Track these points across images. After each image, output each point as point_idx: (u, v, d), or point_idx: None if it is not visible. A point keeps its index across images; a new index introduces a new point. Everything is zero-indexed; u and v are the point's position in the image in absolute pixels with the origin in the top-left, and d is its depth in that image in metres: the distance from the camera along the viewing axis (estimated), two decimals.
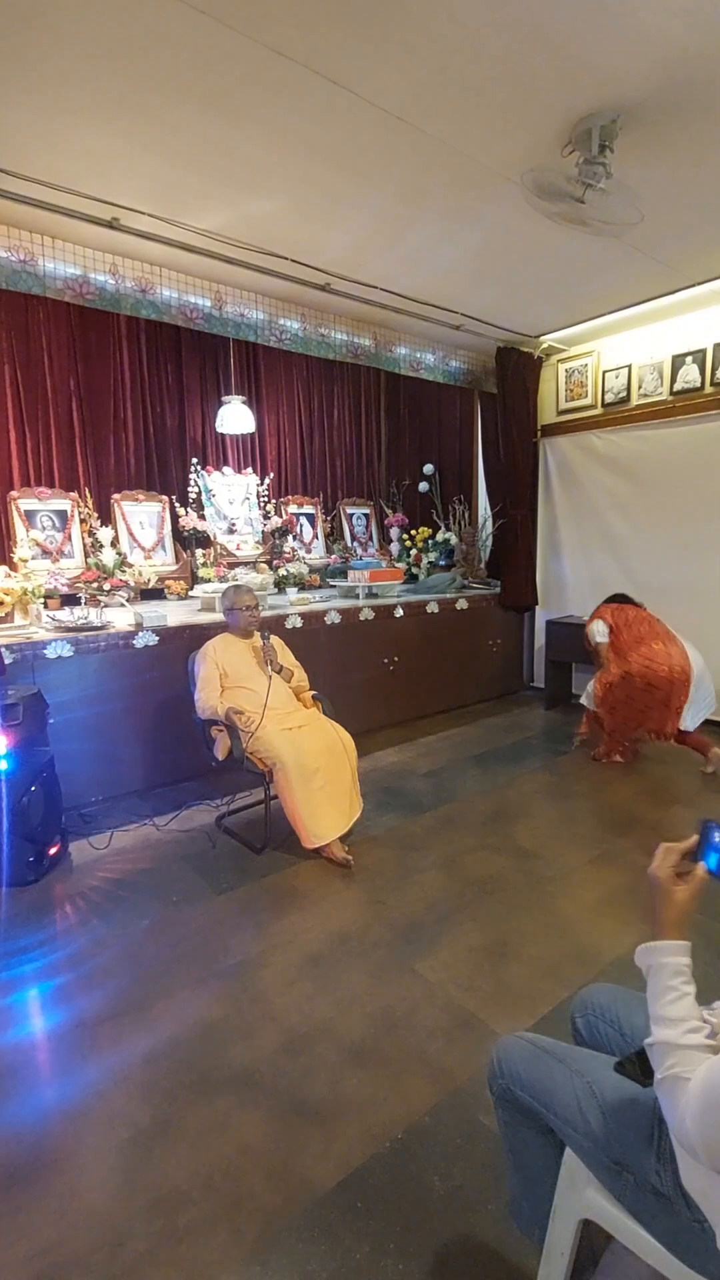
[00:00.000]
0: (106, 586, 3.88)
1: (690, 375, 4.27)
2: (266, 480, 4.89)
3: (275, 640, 3.11)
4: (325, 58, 2.08)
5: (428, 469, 5.57)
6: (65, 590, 3.68)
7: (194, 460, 4.57)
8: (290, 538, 4.94)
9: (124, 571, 4.08)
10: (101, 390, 4.30)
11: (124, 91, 2.23)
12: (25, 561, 3.46)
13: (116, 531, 4.20)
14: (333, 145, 2.53)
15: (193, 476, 4.52)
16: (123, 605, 3.84)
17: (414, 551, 5.39)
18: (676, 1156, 0.90)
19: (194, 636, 3.36)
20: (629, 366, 4.59)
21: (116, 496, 4.29)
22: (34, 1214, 1.37)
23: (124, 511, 4.31)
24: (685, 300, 4.05)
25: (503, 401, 5.01)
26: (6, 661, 2.81)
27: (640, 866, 2.71)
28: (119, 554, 4.11)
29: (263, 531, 4.77)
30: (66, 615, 3.33)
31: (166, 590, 4.28)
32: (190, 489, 4.51)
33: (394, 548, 5.48)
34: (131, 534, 4.31)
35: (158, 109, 2.32)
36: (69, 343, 4.12)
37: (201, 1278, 1.25)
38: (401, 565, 5.17)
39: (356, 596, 4.43)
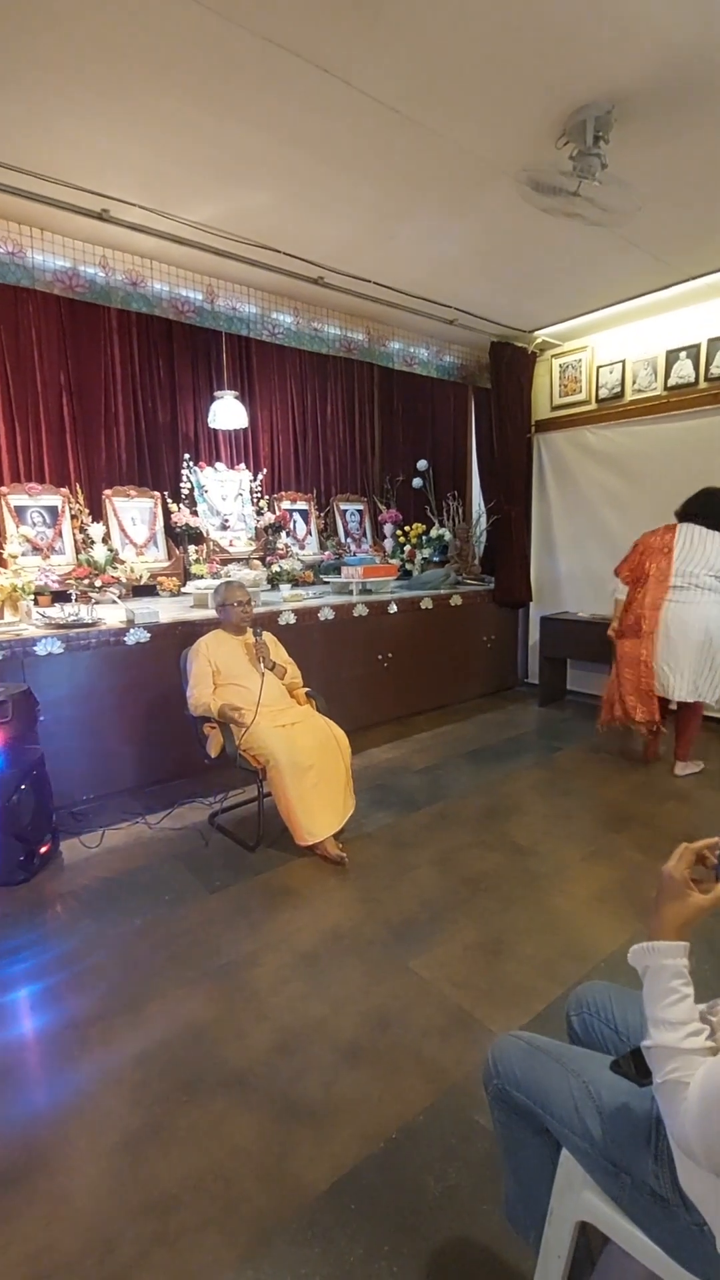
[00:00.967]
0: (98, 583, 3.84)
1: (684, 370, 4.26)
2: (260, 476, 4.85)
3: (268, 637, 3.08)
4: (318, 47, 2.05)
5: (421, 465, 5.55)
6: (56, 587, 3.64)
7: (186, 456, 4.53)
8: (284, 534, 4.91)
9: (115, 568, 4.04)
10: (92, 384, 4.26)
11: (113, 80, 2.19)
12: (15, 558, 3.42)
13: (108, 527, 4.16)
14: (325, 137, 2.50)
15: (185, 472, 4.48)
16: (114, 602, 3.80)
17: (408, 548, 5.37)
18: (675, 1159, 0.88)
19: (186, 633, 3.33)
20: (623, 362, 4.58)
21: (108, 492, 4.25)
22: (23, 1219, 1.35)
23: (115, 507, 4.26)
24: (679, 295, 4.04)
25: (497, 397, 4.99)
26: None
27: (635, 863, 2.72)
28: (110, 550, 4.07)
29: (256, 528, 4.74)
30: (57, 612, 3.29)
31: (159, 587, 4.24)
32: (183, 485, 4.47)
33: (388, 544, 5.46)
34: (123, 530, 4.27)
35: (148, 98, 2.28)
36: (59, 336, 4.07)
37: None
38: (395, 561, 5.15)
39: (350, 593, 4.41)
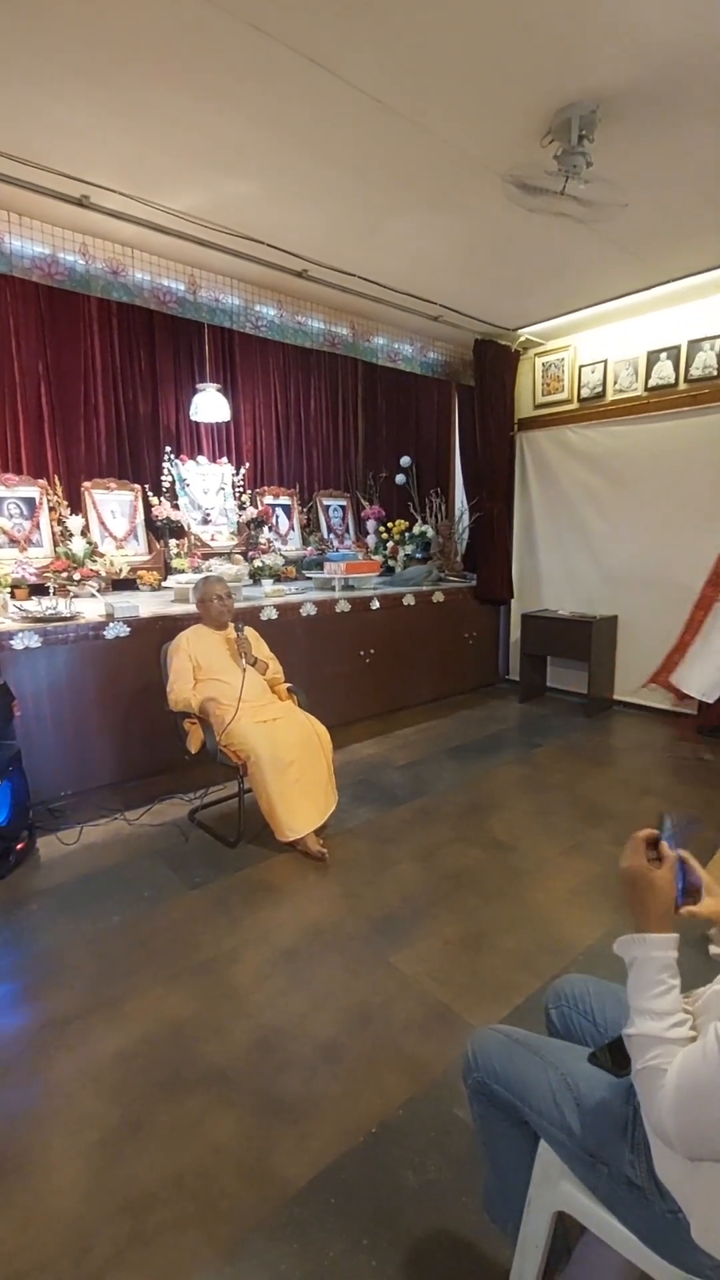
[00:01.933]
0: (76, 576, 3.78)
1: (665, 372, 4.31)
2: (242, 470, 4.81)
3: (250, 632, 3.07)
4: (305, 36, 2.03)
5: (405, 461, 5.54)
6: (33, 580, 3.58)
7: (167, 448, 4.48)
8: (266, 529, 4.88)
9: (95, 561, 3.99)
10: (71, 374, 4.19)
11: (96, 64, 2.15)
12: None
13: (87, 520, 4.10)
14: (311, 128, 2.47)
15: (166, 465, 4.43)
16: (93, 595, 3.75)
17: (390, 544, 5.37)
18: (651, 1147, 0.89)
19: (167, 628, 3.30)
20: (605, 362, 4.62)
21: (87, 484, 4.19)
22: None
23: (95, 500, 4.21)
24: (661, 296, 4.08)
25: (480, 394, 5.00)
26: None
27: (611, 856, 2.75)
28: (89, 543, 4.02)
29: (238, 522, 4.71)
30: (34, 605, 3.24)
31: (139, 581, 4.20)
32: (164, 478, 4.43)
33: (370, 540, 5.45)
34: (103, 523, 4.22)
35: (131, 83, 2.24)
36: (37, 325, 4.00)
37: None
38: (378, 558, 5.14)
39: (333, 589, 4.40)
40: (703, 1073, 0.78)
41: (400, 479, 5.53)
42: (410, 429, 5.89)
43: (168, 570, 4.31)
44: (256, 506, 4.86)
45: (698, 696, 4.06)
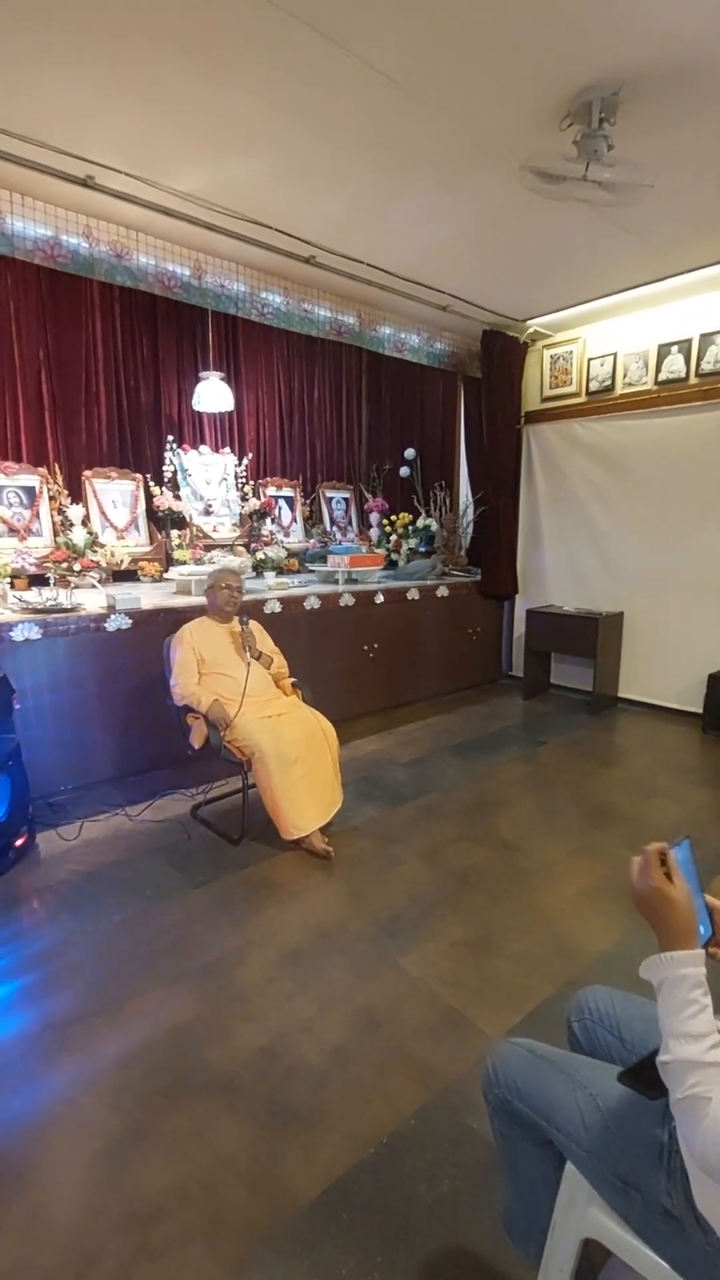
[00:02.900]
0: (76, 567, 3.72)
1: (675, 365, 4.24)
2: (245, 461, 4.75)
3: (254, 626, 3.01)
4: (319, 11, 1.95)
5: (409, 454, 5.47)
6: (33, 570, 3.52)
7: (169, 438, 4.41)
8: (269, 520, 4.82)
9: (95, 552, 3.92)
10: (72, 361, 4.10)
11: (102, 36, 2.07)
12: None
13: (88, 510, 4.03)
14: (322, 108, 2.40)
15: (168, 455, 4.37)
16: (94, 587, 3.69)
17: (394, 537, 5.31)
18: (690, 1177, 0.85)
19: (169, 620, 3.24)
20: (614, 355, 4.55)
21: (88, 473, 4.11)
22: None
23: (95, 489, 4.13)
24: (673, 288, 4.01)
25: (487, 386, 4.93)
26: None
27: (621, 860, 2.71)
28: (90, 533, 3.95)
29: (240, 514, 4.64)
30: (34, 596, 3.18)
31: (140, 572, 4.13)
32: (165, 467, 4.36)
33: (374, 533, 5.39)
34: (103, 513, 4.15)
35: (139, 58, 2.17)
36: (39, 309, 3.91)
37: None
38: (381, 551, 5.08)
39: (336, 582, 4.34)
40: None
41: (404, 471, 5.46)
42: (415, 421, 5.81)
43: (169, 562, 4.24)
44: (259, 498, 4.79)
45: None
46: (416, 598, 4.57)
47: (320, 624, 4.00)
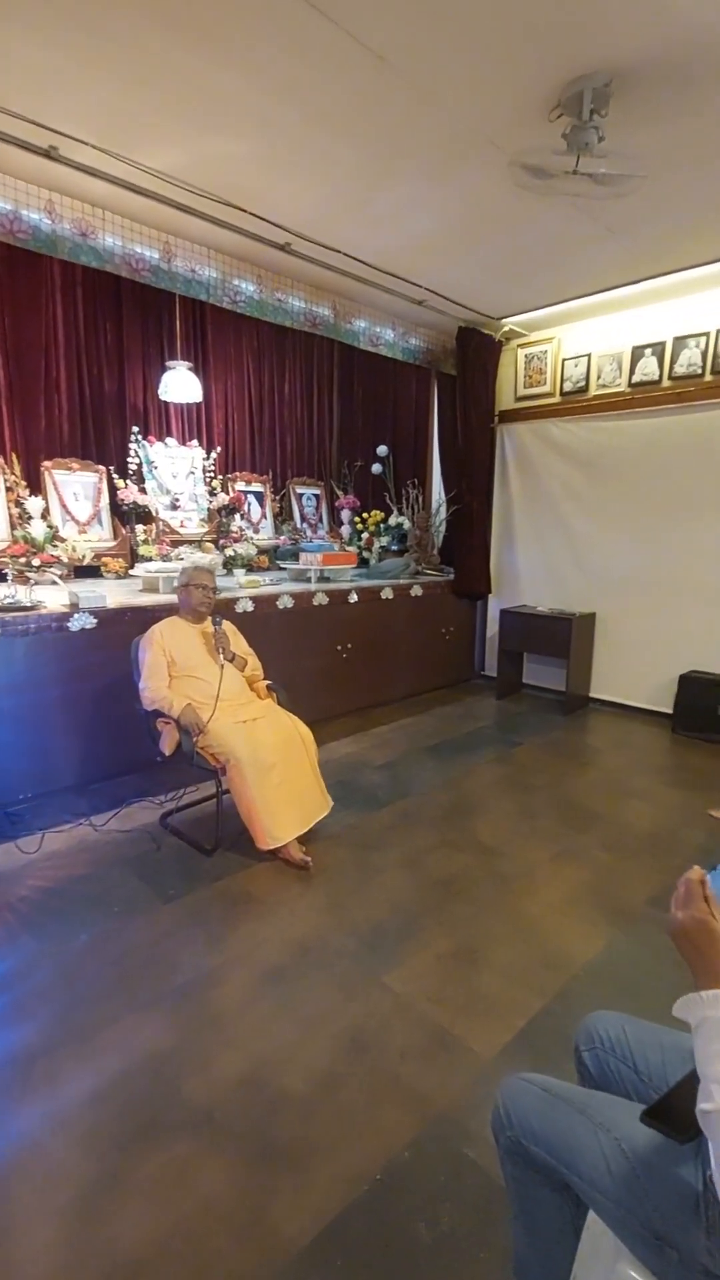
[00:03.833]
0: (36, 562, 3.53)
1: (649, 368, 4.26)
2: (213, 454, 4.60)
3: (228, 626, 2.89)
4: None
5: (382, 450, 5.39)
6: None
7: (134, 428, 4.23)
8: (238, 516, 4.68)
9: (56, 546, 3.73)
10: (31, 345, 3.89)
11: None
12: None
13: (47, 502, 3.83)
14: (307, 85, 2.29)
15: (133, 446, 4.19)
16: (55, 583, 3.51)
17: (365, 535, 5.23)
18: None
19: (137, 620, 3.09)
20: (588, 356, 4.55)
21: (47, 464, 3.91)
22: None
23: (56, 481, 3.93)
24: (648, 291, 4.03)
25: (462, 384, 4.89)
26: None
27: (603, 864, 2.69)
28: (50, 527, 3.76)
29: (208, 509, 4.49)
30: None
31: (103, 568, 3.95)
32: (130, 459, 4.18)
33: (345, 530, 5.30)
34: (64, 505, 3.95)
35: (110, 23, 2.02)
36: None
37: None
38: (353, 549, 5.00)
39: (309, 580, 4.24)
40: None
41: (377, 468, 5.38)
42: (387, 417, 5.73)
43: (134, 558, 4.07)
44: (228, 492, 4.65)
45: None
46: (390, 597, 4.50)
47: (293, 623, 3.89)
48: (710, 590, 4.13)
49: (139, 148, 2.70)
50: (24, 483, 3.73)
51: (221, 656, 2.76)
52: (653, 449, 4.30)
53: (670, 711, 4.29)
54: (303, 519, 5.26)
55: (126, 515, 4.14)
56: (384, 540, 5.23)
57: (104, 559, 3.97)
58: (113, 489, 4.10)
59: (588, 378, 4.57)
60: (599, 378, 4.52)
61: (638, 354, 4.30)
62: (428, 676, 5.00)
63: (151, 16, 2.00)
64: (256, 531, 4.86)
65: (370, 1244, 1.27)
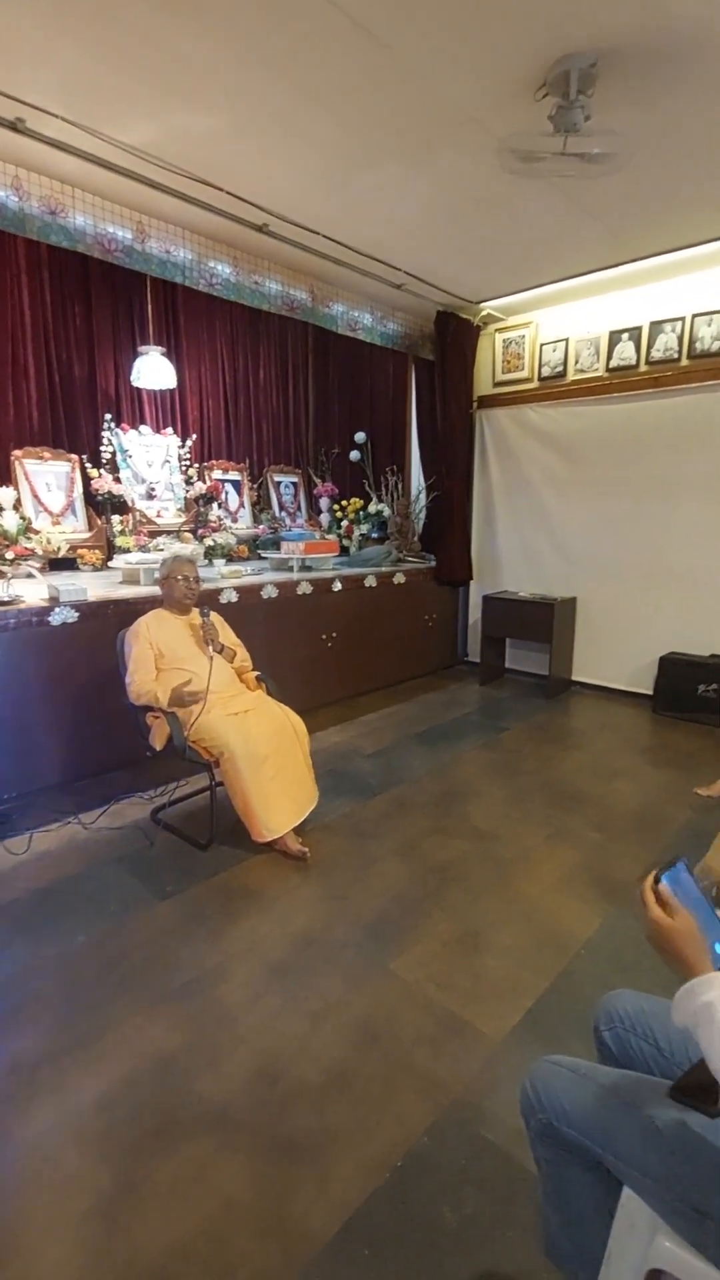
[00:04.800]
0: (10, 555, 3.42)
1: (626, 353, 4.29)
2: (188, 442, 4.50)
3: (215, 617, 2.84)
4: None
5: (360, 437, 5.35)
6: None
7: (107, 416, 4.12)
8: (216, 506, 4.59)
9: (29, 539, 3.62)
10: None
11: None
12: None
13: (19, 493, 3.71)
14: (289, 55, 2.21)
15: (106, 434, 4.08)
16: (31, 576, 3.40)
17: (345, 523, 5.19)
18: None
19: (120, 613, 3.02)
20: (566, 340, 4.56)
21: (17, 453, 3.78)
22: None
23: (27, 470, 3.81)
24: (625, 275, 4.04)
25: (441, 369, 4.86)
26: None
27: (594, 843, 2.73)
28: (23, 518, 3.65)
29: (186, 498, 4.40)
30: None
31: (80, 560, 3.85)
32: (104, 448, 4.06)
33: (324, 519, 5.25)
34: (36, 496, 3.83)
35: None
36: None
37: None
38: (333, 537, 4.95)
39: (290, 569, 4.19)
40: None
41: (355, 455, 5.33)
42: (364, 403, 5.67)
43: (111, 549, 3.98)
44: (205, 481, 4.56)
45: None
46: (374, 585, 4.47)
47: (278, 613, 3.84)
48: (688, 573, 4.20)
49: (111, 120, 2.59)
50: None
51: (210, 648, 2.71)
52: (630, 434, 4.33)
53: (650, 693, 4.36)
54: (281, 507, 5.19)
55: (101, 506, 4.03)
56: (364, 528, 5.20)
57: (80, 551, 3.86)
58: (86, 479, 3.99)
59: (565, 362, 4.58)
60: (577, 362, 4.53)
61: (615, 339, 4.32)
62: (412, 663, 5.00)
63: None
64: (235, 521, 4.79)
65: (396, 1232, 1.27)
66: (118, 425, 4.15)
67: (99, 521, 4.03)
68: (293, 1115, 1.51)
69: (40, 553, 3.60)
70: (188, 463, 4.49)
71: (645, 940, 0.90)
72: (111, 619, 2.99)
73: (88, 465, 3.99)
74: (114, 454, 4.09)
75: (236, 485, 4.90)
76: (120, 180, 2.92)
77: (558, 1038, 1.69)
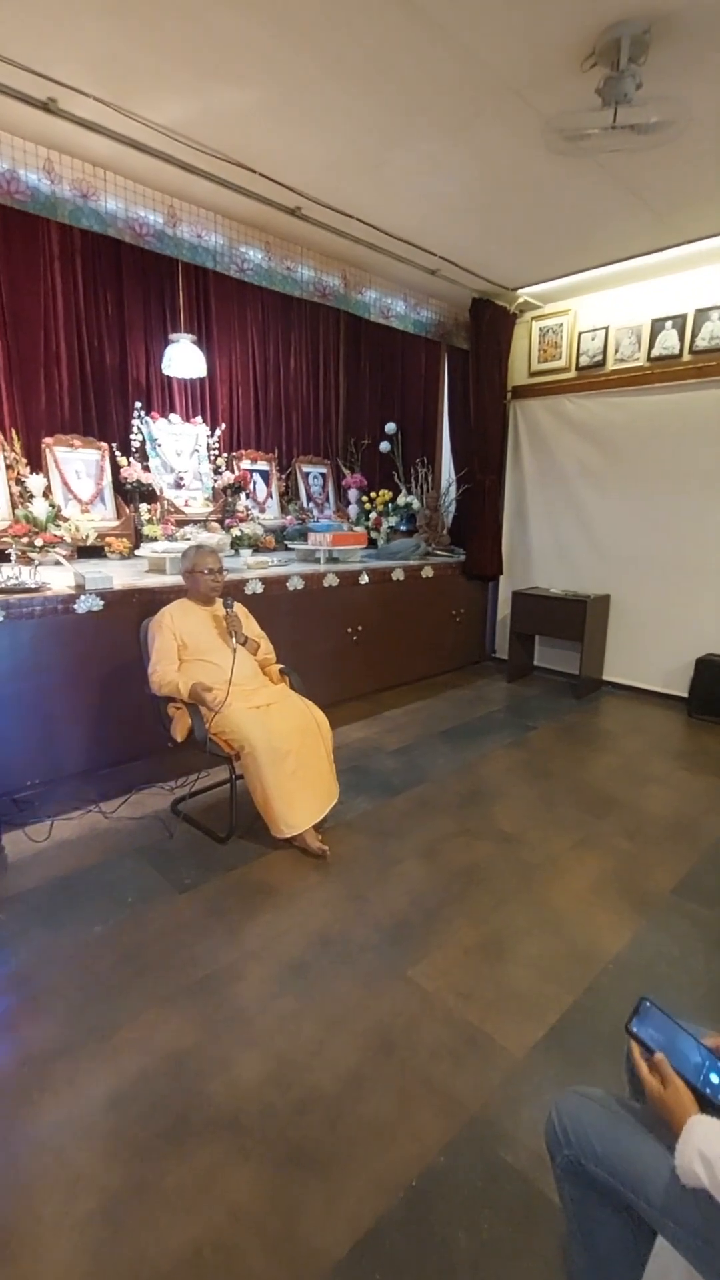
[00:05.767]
0: (38, 542, 3.42)
1: (669, 341, 4.12)
2: (217, 431, 4.47)
3: (239, 609, 2.80)
4: None
5: (390, 428, 5.25)
6: None
7: (137, 404, 4.10)
8: (244, 496, 4.56)
9: (58, 526, 3.61)
10: (29, 316, 3.75)
11: None
12: None
13: (49, 480, 3.71)
14: (325, 28, 2.13)
15: (136, 423, 4.06)
16: (59, 564, 3.40)
17: (374, 515, 5.11)
18: None
19: (144, 602, 3.00)
20: (606, 328, 4.41)
21: (48, 440, 3.79)
22: None
23: (57, 458, 3.81)
24: (669, 260, 3.87)
25: (475, 358, 4.74)
26: None
27: (624, 851, 2.63)
28: (52, 506, 3.63)
29: (214, 487, 4.38)
30: None
31: (107, 548, 3.85)
32: (133, 436, 4.05)
33: (352, 510, 5.18)
34: (66, 484, 3.84)
35: None
36: None
37: None
38: (361, 529, 4.88)
39: (317, 561, 4.14)
40: None
41: (385, 446, 5.24)
42: (395, 393, 5.58)
43: (138, 537, 3.97)
44: (233, 471, 4.53)
45: None
46: (401, 578, 4.40)
47: (303, 605, 3.80)
48: None
49: (143, 99, 2.54)
50: (24, 460, 3.61)
51: (234, 639, 2.67)
52: (673, 426, 4.17)
53: (685, 695, 4.22)
54: (309, 498, 5.14)
55: (130, 494, 4.02)
56: (392, 520, 5.11)
57: (108, 539, 3.86)
58: (115, 467, 3.98)
59: (605, 351, 4.42)
60: (616, 351, 4.37)
61: (657, 326, 4.16)
62: (438, 659, 4.92)
63: None
64: (262, 511, 4.75)
65: (409, 1255, 1.22)
66: (147, 414, 4.13)
67: (127, 510, 4.02)
68: (304, 1125, 1.46)
69: (69, 540, 3.60)
70: (216, 452, 4.46)
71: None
72: (136, 608, 2.97)
73: (117, 453, 3.99)
74: (143, 442, 4.08)
75: (265, 475, 4.86)
76: (152, 162, 2.87)
77: (583, 1058, 1.62)
